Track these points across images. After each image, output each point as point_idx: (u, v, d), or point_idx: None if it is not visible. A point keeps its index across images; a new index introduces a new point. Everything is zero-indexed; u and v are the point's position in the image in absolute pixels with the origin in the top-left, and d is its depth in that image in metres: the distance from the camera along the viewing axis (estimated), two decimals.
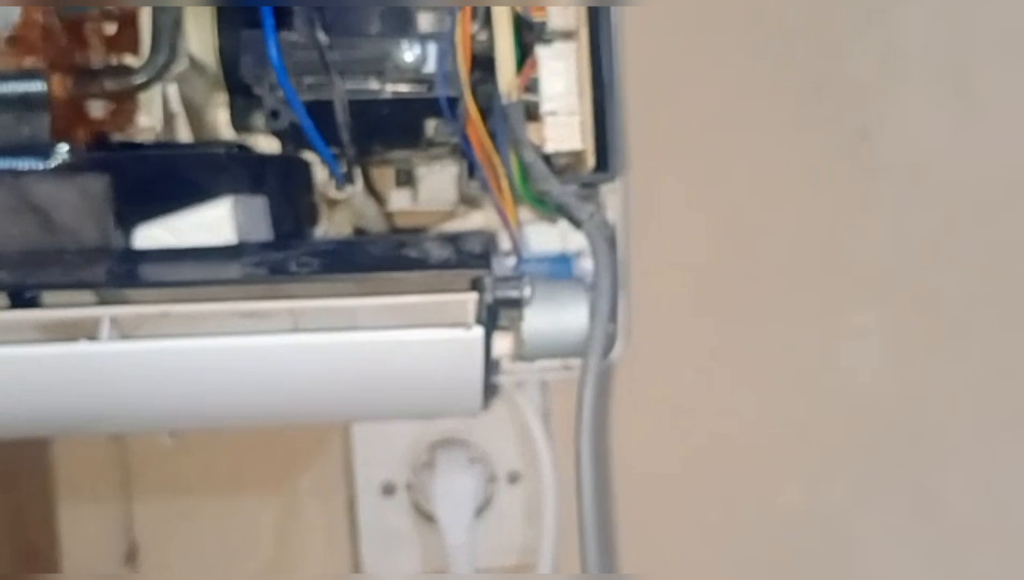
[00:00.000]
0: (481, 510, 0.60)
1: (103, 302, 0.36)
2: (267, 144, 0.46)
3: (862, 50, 0.63)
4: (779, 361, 0.63)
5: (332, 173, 0.41)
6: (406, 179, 0.56)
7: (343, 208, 0.49)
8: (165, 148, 0.39)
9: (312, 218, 0.46)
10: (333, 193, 0.44)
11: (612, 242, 0.39)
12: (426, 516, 0.60)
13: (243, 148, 0.41)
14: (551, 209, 0.42)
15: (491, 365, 0.38)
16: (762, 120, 0.61)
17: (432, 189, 0.56)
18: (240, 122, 0.45)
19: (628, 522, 0.61)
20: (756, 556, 0.63)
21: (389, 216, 0.54)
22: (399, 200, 0.56)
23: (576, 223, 0.40)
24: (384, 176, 0.56)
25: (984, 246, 0.63)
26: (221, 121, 0.46)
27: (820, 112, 0.62)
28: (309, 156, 0.46)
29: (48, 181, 0.34)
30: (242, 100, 0.45)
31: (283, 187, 0.42)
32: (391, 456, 0.60)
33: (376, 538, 0.60)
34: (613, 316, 0.37)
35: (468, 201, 0.50)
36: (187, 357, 0.36)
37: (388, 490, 0.60)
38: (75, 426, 0.41)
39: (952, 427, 0.63)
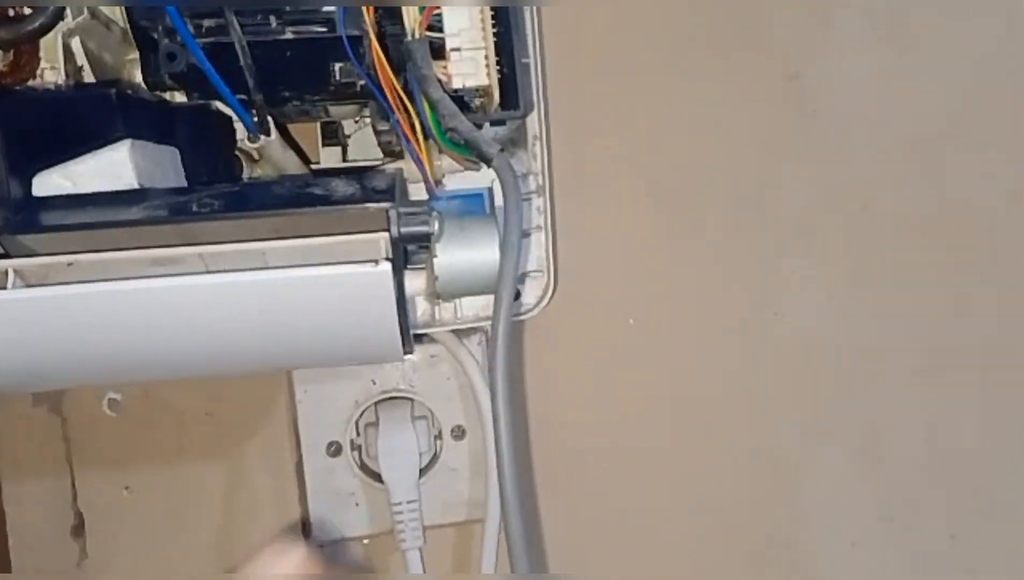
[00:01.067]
0: (427, 467, 0.60)
1: (5, 255, 0.36)
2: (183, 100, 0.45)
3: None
4: (715, 309, 0.63)
5: (243, 121, 0.41)
6: (332, 136, 0.55)
7: (264, 163, 0.48)
8: (56, 92, 0.38)
9: (233, 173, 0.46)
10: (248, 144, 0.44)
11: (520, 179, 0.39)
12: (373, 475, 0.60)
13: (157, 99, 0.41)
14: (466, 151, 0.42)
15: (405, 304, 0.38)
16: (690, 68, 0.61)
17: (363, 145, 0.56)
18: (153, 78, 0.44)
19: (553, 474, 0.61)
20: (701, 509, 0.63)
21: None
22: (328, 157, 0.56)
23: (486, 160, 0.40)
24: (310, 133, 0.56)
25: (918, 187, 0.63)
26: (137, 79, 0.46)
27: (749, 58, 0.62)
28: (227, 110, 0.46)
29: None
30: (153, 55, 0.44)
31: (196, 138, 0.42)
32: (336, 417, 0.60)
33: (324, 499, 0.60)
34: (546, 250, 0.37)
35: (390, 152, 0.49)
36: (97, 301, 0.36)
37: (334, 451, 0.60)
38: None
39: (893, 369, 0.64)
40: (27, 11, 0.38)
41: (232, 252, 0.37)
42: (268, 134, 0.43)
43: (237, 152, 0.48)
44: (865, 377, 0.63)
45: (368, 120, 0.55)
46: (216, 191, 0.35)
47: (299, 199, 0.35)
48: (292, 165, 0.47)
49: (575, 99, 0.60)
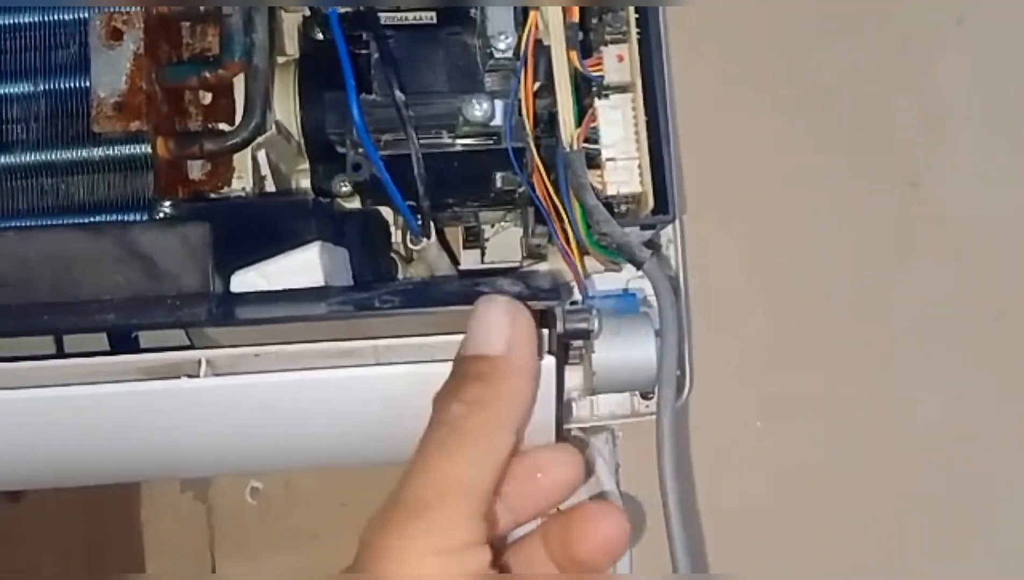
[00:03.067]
0: None
1: (199, 346, 0.39)
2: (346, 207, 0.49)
3: (906, 104, 0.65)
4: (841, 415, 0.63)
5: (409, 225, 0.44)
6: (474, 239, 0.59)
7: (418, 263, 0.52)
8: (257, 199, 0.42)
9: (390, 271, 0.49)
10: (409, 246, 0.47)
11: (674, 283, 0.41)
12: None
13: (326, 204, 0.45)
14: (612, 254, 0.44)
15: (563, 398, 0.40)
16: (811, 172, 0.63)
17: (498, 248, 0.59)
18: (320, 187, 0.48)
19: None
20: None
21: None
22: (468, 260, 0.59)
23: (637, 264, 0.42)
24: (453, 237, 0.59)
25: None
26: (303, 187, 0.50)
27: (870, 163, 0.63)
28: (386, 214, 0.50)
29: (152, 231, 0.37)
30: (322, 166, 0.48)
31: (363, 240, 0.45)
32: None
33: None
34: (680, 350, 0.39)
35: (534, 254, 0.52)
36: (279, 390, 0.38)
37: None
38: (171, 465, 0.44)
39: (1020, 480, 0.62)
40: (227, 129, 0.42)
41: (400, 346, 0.39)
42: (429, 237, 0.46)
43: (392, 253, 0.51)
44: (995, 482, 0.62)
45: (505, 224, 0.58)
46: (394, 289, 0.38)
47: (471, 297, 0.37)
48: (444, 266, 0.50)
49: (699, 203, 0.62)
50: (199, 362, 0.39)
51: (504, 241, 0.58)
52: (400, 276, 0.50)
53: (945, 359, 0.63)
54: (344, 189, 0.49)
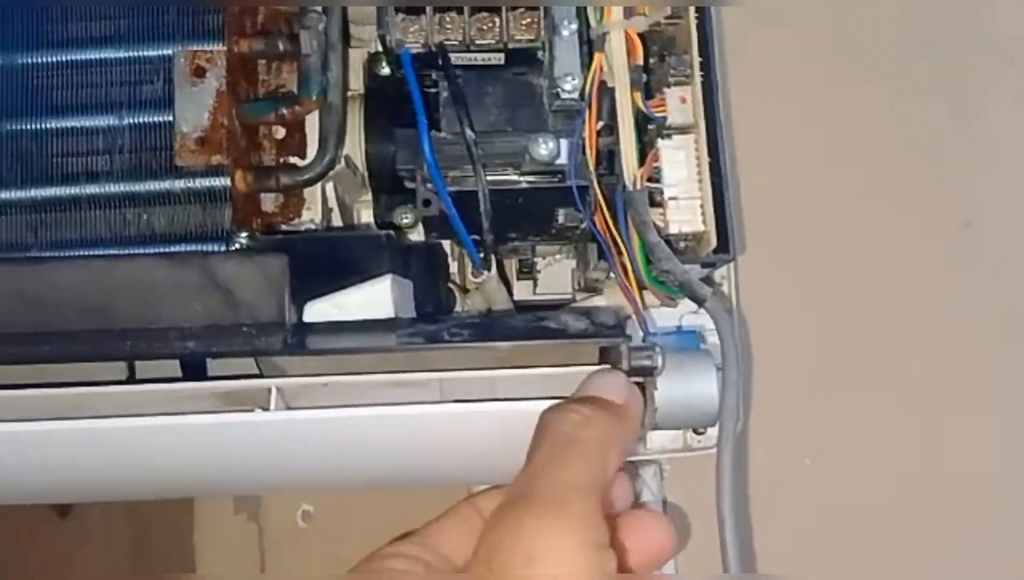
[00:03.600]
0: None
1: (270, 375, 0.41)
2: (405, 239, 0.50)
3: (956, 145, 0.65)
4: (891, 452, 0.63)
5: (471, 258, 0.45)
6: (527, 271, 0.60)
7: (475, 294, 0.53)
8: (332, 232, 0.43)
9: (449, 303, 0.50)
10: (469, 279, 0.48)
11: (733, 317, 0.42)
12: None
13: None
14: (671, 290, 0.45)
15: None
16: (861, 214, 0.63)
17: (550, 280, 0.60)
18: (382, 218, 0.50)
19: None
20: None
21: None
22: (520, 291, 0.60)
23: (698, 301, 0.42)
24: (505, 268, 0.60)
25: None
26: (364, 218, 0.51)
27: (920, 205, 0.64)
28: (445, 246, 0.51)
29: (232, 261, 0.39)
30: (385, 198, 0.50)
31: (426, 272, 0.46)
32: None
33: None
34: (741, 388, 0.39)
35: (590, 288, 0.53)
36: (344, 424, 0.40)
37: None
38: (235, 487, 0.45)
39: None
40: (299, 162, 0.43)
41: (466, 379, 0.40)
42: (490, 270, 0.47)
43: (451, 285, 0.52)
44: None
45: (559, 257, 0.59)
46: (461, 322, 0.39)
47: (537, 332, 0.38)
48: (502, 299, 0.51)
49: (752, 241, 0.63)
50: (269, 391, 0.40)
51: (556, 273, 0.59)
52: (458, 307, 0.51)
53: (996, 400, 0.63)
54: (406, 221, 0.50)
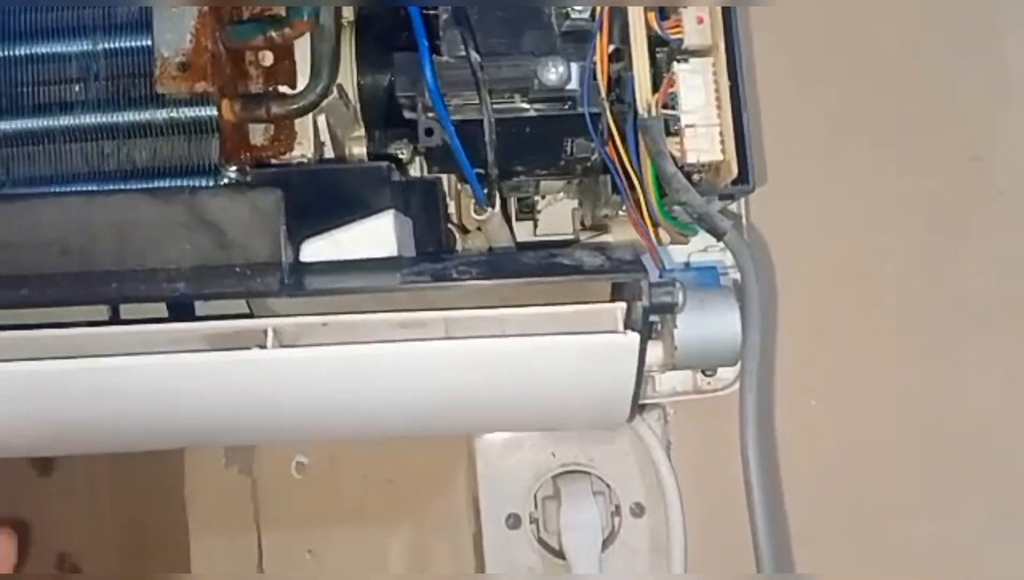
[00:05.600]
0: (606, 543, 0.59)
1: (259, 315, 0.38)
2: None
3: (967, 81, 0.63)
4: (896, 392, 0.62)
5: (474, 194, 0.43)
6: (527, 211, 0.57)
7: (475, 235, 0.50)
8: (330, 164, 0.40)
9: (450, 243, 0.48)
10: (471, 217, 0.45)
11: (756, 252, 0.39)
12: (551, 551, 0.60)
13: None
14: (684, 226, 0.43)
15: (642, 374, 0.38)
16: (869, 149, 0.61)
17: (551, 220, 0.57)
18: (376, 153, 0.47)
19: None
20: None
21: None
22: (520, 232, 0.57)
23: (718, 234, 0.40)
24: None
25: None
26: (356, 154, 0.48)
27: (929, 139, 0.61)
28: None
29: (221, 197, 0.36)
30: (379, 132, 0.47)
31: (426, 209, 0.44)
32: (516, 490, 0.60)
33: (501, 570, 0.60)
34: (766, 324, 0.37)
35: (597, 226, 0.50)
36: (345, 363, 0.37)
37: (513, 523, 0.60)
38: (229, 434, 0.43)
39: None
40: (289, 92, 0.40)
41: (473, 318, 0.38)
42: (494, 207, 0.44)
43: (450, 225, 0.50)
44: None
45: (559, 197, 0.56)
46: (468, 260, 0.37)
47: (552, 269, 0.36)
48: (504, 237, 0.48)
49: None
50: (266, 331, 0.37)
51: (557, 213, 0.57)
52: (458, 248, 0.49)
53: (1003, 335, 0.61)
54: (403, 156, 0.47)
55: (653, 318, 0.38)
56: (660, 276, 0.40)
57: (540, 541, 0.60)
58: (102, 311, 0.38)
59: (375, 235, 0.36)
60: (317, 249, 0.37)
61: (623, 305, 0.37)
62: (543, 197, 0.57)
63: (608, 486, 0.60)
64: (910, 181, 0.62)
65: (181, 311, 0.38)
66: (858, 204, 0.62)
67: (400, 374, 0.38)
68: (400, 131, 0.46)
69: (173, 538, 0.65)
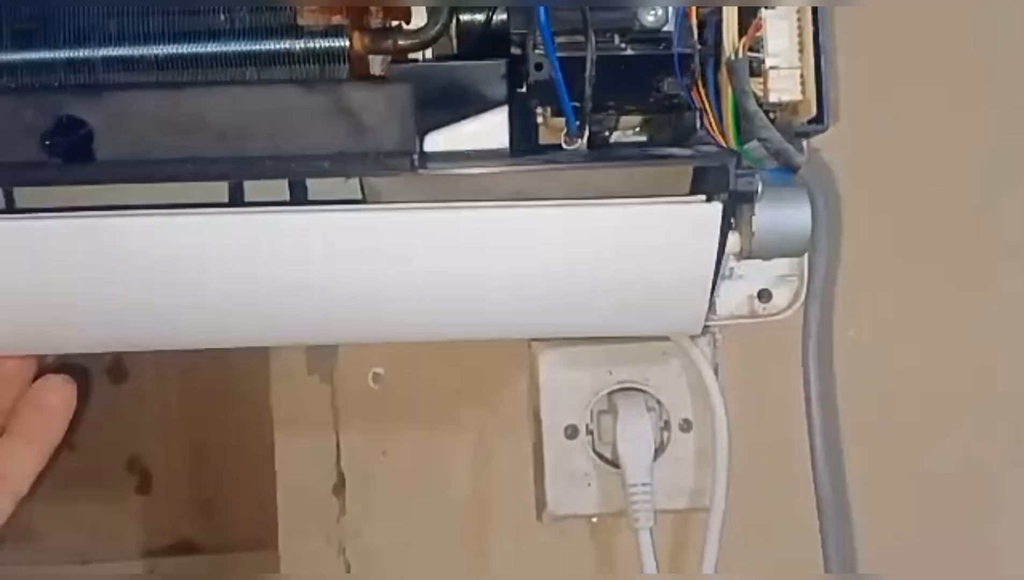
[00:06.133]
0: (656, 455, 0.65)
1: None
2: None
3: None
4: (936, 325, 0.66)
5: (568, 125, 0.47)
6: (600, 145, 0.61)
7: None
8: (453, 63, 0.45)
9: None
10: (565, 145, 0.49)
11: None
12: (605, 460, 0.65)
13: None
14: (757, 161, 0.47)
15: (721, 261, 0.43)
16: (931, 101, 0.65)
17: None
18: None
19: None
20: (904, 520, 0.66)
21: None
22: None
23: (794, 168, 0.44)
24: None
25: None
26: None
27: (980, 88, 0.65)
28: None
29: (360, 89, 0.40)
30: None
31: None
32: (575, 403, 0.65)
33: (560, 478, 0.65)
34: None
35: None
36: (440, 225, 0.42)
37: (571, 434, 0.65)
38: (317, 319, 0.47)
39: None
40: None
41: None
42: (582, 137, 0.48)
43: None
44: None
45: (631, 133, 0.60)
46: (568, 153, 0.41)
47: (650, 157, 0.40)
48: None
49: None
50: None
51: None
52: None
53: None
54: None
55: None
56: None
57: (596, 451, 0.65)
58: (223, 192, 0.43)
59: (491, 130, 0.41)
60: (439, 141, 0.41)
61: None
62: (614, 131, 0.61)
63: (660, 402, 0.65)
64: (961, 122, 0.65)
65: (301, 194, 0.43)
66: (905, 142, 0.65)
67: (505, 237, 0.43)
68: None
69: (252, 440, 0.70)
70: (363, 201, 0.43)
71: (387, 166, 0.39)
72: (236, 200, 0.43)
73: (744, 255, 0.44)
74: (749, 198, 0.40)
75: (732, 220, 0.43)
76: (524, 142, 0.47)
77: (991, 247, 0.66)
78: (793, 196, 0.42)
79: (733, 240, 0.44)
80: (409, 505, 0.66)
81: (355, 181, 0.42)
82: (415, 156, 0.39)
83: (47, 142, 0.38)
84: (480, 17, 0.48)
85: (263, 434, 0.66)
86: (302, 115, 0.39)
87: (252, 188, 0.43)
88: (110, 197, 0.41)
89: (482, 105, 0.41)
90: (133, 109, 0.39)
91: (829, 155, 0.58)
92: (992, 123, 0.66)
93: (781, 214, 0.42)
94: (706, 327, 0.64)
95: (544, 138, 0.50)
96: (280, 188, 0.43)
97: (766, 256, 0.44)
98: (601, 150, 0.46)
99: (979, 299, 0.66)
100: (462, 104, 0.41)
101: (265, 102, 0.40)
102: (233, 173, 0.40)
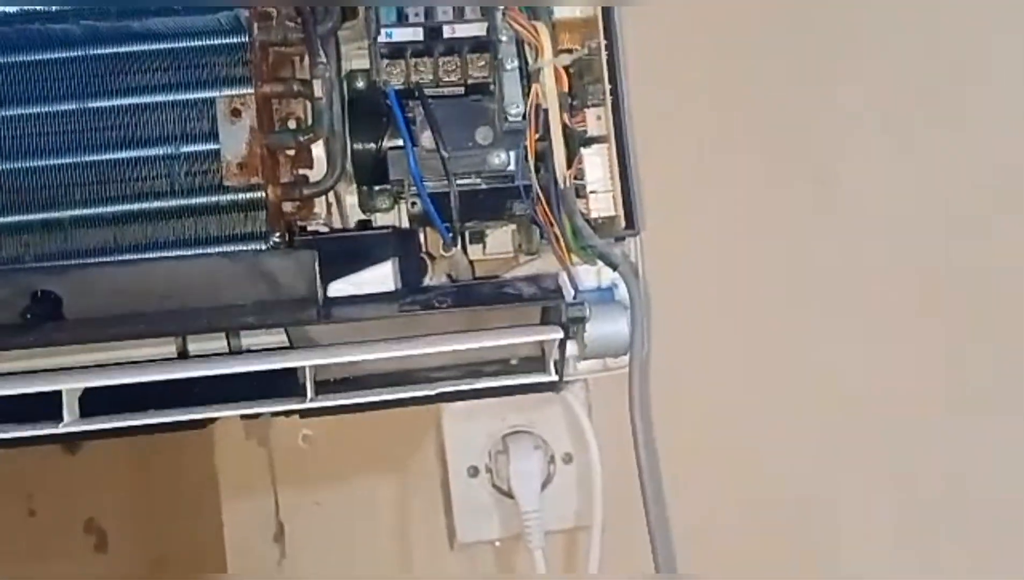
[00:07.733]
0: (544, 485, 0.78)
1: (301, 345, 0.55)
2: (383, 219, 0.65)
3: (817, 117, 0.82)
4: (757, 365, 0.81)
5: (443, 239, 0.60)
6: (479, 237, 0.75)
7: (442, 262, 0.67)
8: (349, 232, 0.57)
9: (423, 270, 0.65)
10: (441, 253, 0.63)
11: (638, 276, 0.58)
12: (503, 493, 0.78)
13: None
14: (591, 256, 0.61)
15: (564, 362, 0.56)
16: (741, 177, 0.80)
17: (496, 243, 0.75)
18: (365, 205, 0.64)
19: None
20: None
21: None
22: (473, 252, 0.75)
23: (612, 266, 0.58)
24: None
25: (922, 260, 0.81)
26: (349, 202, 0.65)
27: (786, 167, 0.81)
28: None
29: (275, 256, 0.53)
30: (366, 187, 0.64)
31: (405, 252, 0.61)
32: (475, 447, 0.78)
33: (466, 511, 0.78)
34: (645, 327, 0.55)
35: (531, 253, 0.68)
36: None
37: (473, 473, 0.78)
38: None
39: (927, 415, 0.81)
40: (309, 174, 0.57)
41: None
42: (456, 245, 0.62)
43: (422, 256, 0.67)
44: (902, 425, 0.81)
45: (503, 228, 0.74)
46: (443, 291, 0.54)
47: (501, 297, 0.53)
48: (464, 265, 0.66)
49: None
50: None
51: (500, 237, 0.74)
52: (429, 272, 0.66)
53: (853, 312, 0.81)
54: (384, 205, 0.64)
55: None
56: (575, 296, 0.58)
57: (495, 486, 0.78)
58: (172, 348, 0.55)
59: (381, 278, 0.54)
60: (340, 288, 0.54)
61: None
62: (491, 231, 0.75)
63: (545, 441, 0.79)
64: (771, 202, 0.81)
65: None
66: (729, 220, 0.80)
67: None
68: (384, 187, 0.63)
69: (197, 499, 0.82)
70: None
71: (298, 319, 0.51)
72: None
73: (580, 358, 0.58)
74: (581, 321, 0.54)
75: (572, 333, 0.56)
76: (413, 274, 0.60)
77: (807, 294, 0.81)
78: (613, 312, 0.56)
79: (573, 347, 0.58)
80: (340, 545, 0.78)
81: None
82: (319, 304, 0.52)
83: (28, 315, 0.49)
84: (372, 146, 0.61)
85: (210, 492, 0.78)
86: (230, 278, 0.52)
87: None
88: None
89: (374, 260, 0.54)
90: (95, 280, 0.51)
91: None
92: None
93: (606, 329, 0.56)
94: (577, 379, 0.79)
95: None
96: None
97: (597, 358, 0.58)
98: (470, 287, 0.60)
99: (807, 343, 0.81)
100: (356, 261, 0.54)
101: (200, 270, 0.52)
102: (177, 328, 0.52)
